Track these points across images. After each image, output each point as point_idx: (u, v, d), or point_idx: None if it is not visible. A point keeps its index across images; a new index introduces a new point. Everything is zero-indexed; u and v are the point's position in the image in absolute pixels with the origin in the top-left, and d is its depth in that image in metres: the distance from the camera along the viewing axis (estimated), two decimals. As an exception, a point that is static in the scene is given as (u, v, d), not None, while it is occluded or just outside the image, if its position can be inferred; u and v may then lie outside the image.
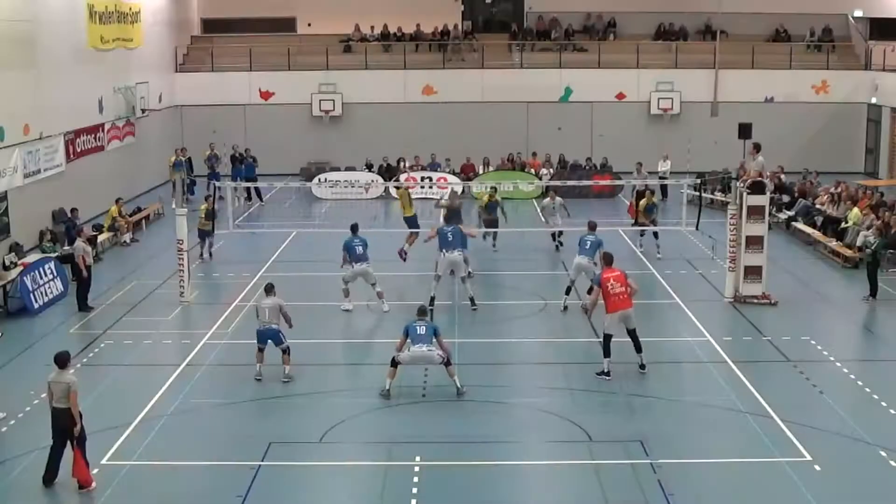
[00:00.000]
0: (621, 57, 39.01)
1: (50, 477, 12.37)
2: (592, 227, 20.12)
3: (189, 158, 34.16)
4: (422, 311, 16.11)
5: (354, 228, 20.26)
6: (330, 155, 37.66)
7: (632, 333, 16.21)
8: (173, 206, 22.19)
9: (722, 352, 17.34)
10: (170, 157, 33.57)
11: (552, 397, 15.35)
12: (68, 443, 12.25)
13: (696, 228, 22.62)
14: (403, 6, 40.62)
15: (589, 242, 19.65)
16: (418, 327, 15.60)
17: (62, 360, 12.33)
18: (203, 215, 24.12)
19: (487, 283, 21.73)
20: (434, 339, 15.54)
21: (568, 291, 20.01)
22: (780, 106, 38.03)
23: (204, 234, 24.43)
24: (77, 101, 28.40)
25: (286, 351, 16.19)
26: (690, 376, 16.66)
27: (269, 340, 16.17)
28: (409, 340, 15.48)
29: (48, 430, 13.32)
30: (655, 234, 24.68)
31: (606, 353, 16.08)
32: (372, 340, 18.70)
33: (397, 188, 27.02)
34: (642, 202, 24.99)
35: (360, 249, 19.84)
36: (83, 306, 20.25)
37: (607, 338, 16.13)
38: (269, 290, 16.63)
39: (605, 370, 16.03)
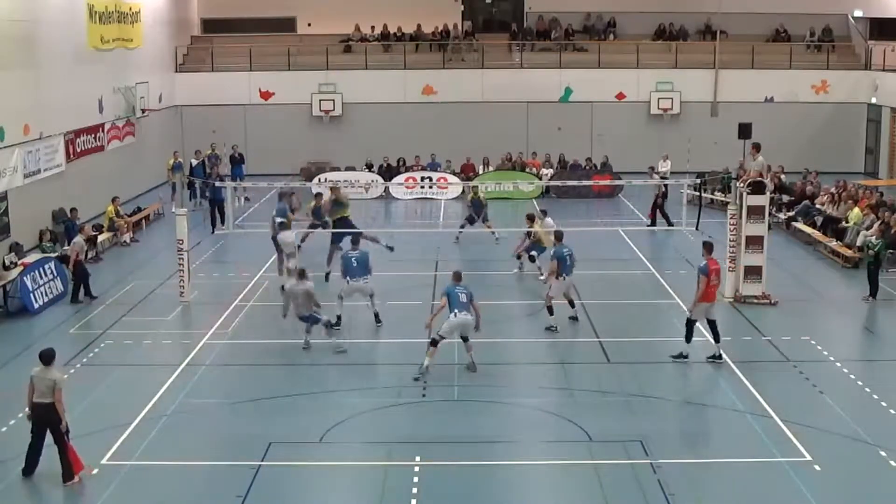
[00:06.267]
0: (621, 57, 38.99)
1: (30, 470, 12.59)
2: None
3: (203, 161, 33.80)
4: (458, 276, 16.36)
5: (355, 241, 19.71)
6: (330, 155, 37.60)
7: (712, 323, 16.83)
8: (173, 209, 22.16)
9: (722, 352, 17.30)
10: (168, 160, 33.49)
11: (552, 397, 15.35)
12: (45, 437, 12.56)
13: (696, 228, 22.60)
14: (403, 6, 40.59)
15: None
16: (460, 294, 15.88)
17: (47, 357, 12.62)
18: (310, 212, 22.89)
19: (487, 283, 21.67)
20: (471, 305, 15.92)
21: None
22: (780, 106, 38.01)
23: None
24: (77, 101, 28.37)
25: None
26: (690, 376, 16.64)
27: None
28: (451, 307, 15.73)
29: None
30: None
31: (688, 338, 16.76)
32: (372, 340, 18.66)
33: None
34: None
35: (354, 263, 18.37)
36: (74, 298, 20.85)
37: (692, 323, 16.75)
38: None
39: (685, 353, 16.79)
